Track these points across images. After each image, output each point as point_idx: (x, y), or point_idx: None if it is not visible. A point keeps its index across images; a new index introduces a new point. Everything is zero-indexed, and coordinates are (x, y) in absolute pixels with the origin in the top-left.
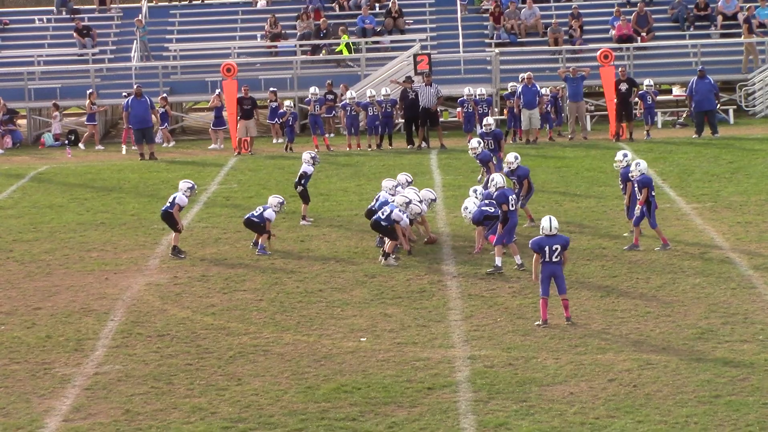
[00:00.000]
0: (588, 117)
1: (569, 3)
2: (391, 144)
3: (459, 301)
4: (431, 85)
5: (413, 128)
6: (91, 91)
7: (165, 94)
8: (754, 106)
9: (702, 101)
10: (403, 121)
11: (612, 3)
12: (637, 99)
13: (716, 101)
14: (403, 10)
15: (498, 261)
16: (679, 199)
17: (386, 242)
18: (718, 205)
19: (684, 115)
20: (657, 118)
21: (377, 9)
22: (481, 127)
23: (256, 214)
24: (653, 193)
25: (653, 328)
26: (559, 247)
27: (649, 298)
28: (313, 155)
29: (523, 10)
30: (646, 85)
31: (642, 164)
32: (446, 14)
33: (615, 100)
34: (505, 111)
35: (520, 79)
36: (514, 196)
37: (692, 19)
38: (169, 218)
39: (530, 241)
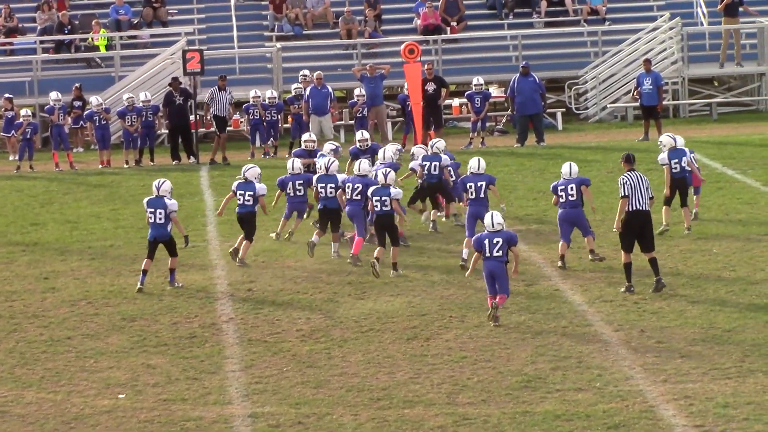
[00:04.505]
0: (389, 123)
1: None
2: (153, 160)
3: (237, 348)
4: (225, 90)
5: (179, 140)
6: None
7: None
8: (587, 108)
9: (525, 103)
10: (168, 131)
11: None
12: (465, 100)
13: (542, 103)
14: None
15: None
16: None
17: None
18: (545, 228)
19: (504, 120)
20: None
21: None
22: (356, 143)
23: None
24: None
25: (470, 376)
26: (500, 240)
27: (464, 340)
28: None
29: None
30: (475, 85)
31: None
32: (217, 2)
33: (421, 102)
34: (289, 118)
35: (300, 79)
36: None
37: (511, 5)
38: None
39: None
